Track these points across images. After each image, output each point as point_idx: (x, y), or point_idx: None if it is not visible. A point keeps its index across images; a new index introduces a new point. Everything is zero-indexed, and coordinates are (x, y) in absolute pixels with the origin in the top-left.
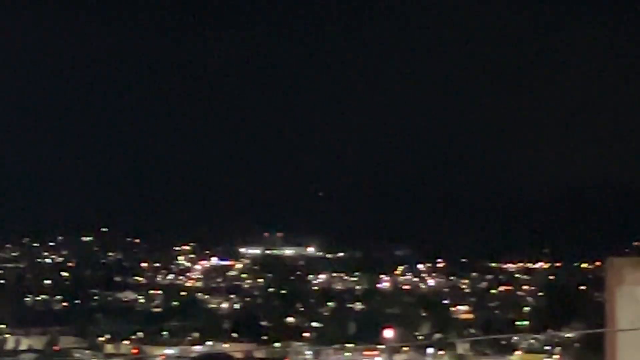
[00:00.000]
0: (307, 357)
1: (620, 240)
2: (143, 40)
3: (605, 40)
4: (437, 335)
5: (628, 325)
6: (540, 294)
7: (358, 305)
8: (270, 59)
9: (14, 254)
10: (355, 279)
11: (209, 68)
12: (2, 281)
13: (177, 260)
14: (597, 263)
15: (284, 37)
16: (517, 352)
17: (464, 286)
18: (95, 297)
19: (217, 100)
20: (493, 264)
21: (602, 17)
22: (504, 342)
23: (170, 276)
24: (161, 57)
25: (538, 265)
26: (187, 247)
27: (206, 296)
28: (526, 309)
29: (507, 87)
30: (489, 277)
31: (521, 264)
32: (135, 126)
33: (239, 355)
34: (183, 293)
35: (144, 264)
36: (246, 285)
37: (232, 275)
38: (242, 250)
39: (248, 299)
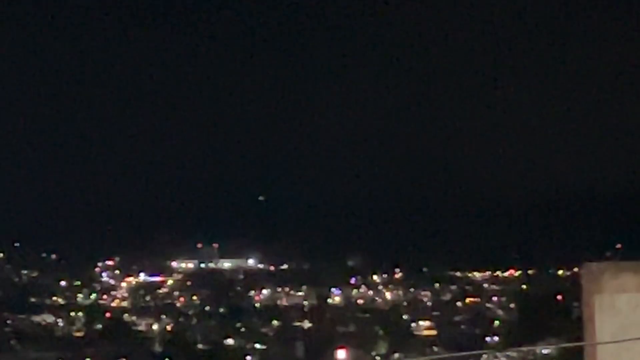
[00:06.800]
0: None
1: (600, 243)
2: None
3: (590, 46)
4: (396, 356)
5: (608, 338)
6: (511, 305)
7: (306, 324)
8: (204, 57)
9: None
10: (302, 293)
11: (131, 68)
12: None
13: (100, 277)
14: (575, 269)
15: (218, 36)
16: None
17: (425, 299)
18: (8, 322)
19: (145, 99)
20: (458, 273)
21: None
22: None
23: (93, 295)
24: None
25: (508, 273)
26: (111, 263)
27: (134, 317)
28: (496, 322)
29: (477, 91)
30: (454, 288)
31: (489, 273)
32: (48, 130)
33: None
34: (107, 314)
35: (62, 283)
36: (179, 304)
37: (162, 293)
38: (174, 264)
39: (181, 319)
